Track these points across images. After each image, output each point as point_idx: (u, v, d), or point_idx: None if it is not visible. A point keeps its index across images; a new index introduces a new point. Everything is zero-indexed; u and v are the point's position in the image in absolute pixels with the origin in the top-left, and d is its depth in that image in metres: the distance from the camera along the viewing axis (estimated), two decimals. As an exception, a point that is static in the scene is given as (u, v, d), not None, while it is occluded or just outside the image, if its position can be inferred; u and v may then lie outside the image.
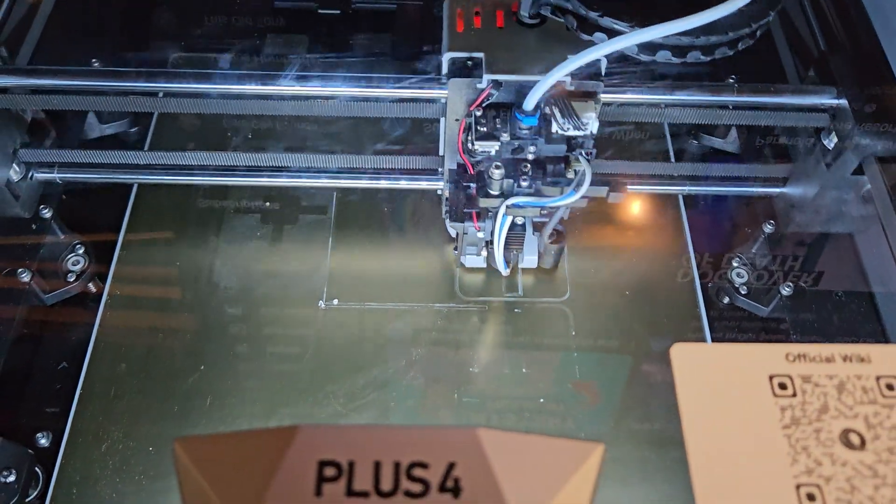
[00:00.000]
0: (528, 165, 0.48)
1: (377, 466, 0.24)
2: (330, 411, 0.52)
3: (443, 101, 0.51)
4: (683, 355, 0.29)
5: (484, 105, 0.48)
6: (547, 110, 0.47)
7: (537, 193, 0.48)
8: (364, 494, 0.23)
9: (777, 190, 0.60)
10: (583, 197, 0.48)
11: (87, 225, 0.61)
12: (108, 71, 0.53)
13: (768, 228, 0.60)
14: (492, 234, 0.52)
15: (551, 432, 0.52)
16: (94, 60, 0.65)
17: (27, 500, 0.50)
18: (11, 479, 0.49)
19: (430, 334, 0.56)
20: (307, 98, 0.52)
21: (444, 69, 0.49)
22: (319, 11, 0.73)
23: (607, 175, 0.56)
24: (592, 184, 0.47)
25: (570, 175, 0.48)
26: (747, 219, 0.62)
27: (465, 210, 0.50)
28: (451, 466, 0.24)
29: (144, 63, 0.70)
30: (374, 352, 0.55)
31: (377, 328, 0.56)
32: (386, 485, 0.23)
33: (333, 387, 0.53)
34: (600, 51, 0.44)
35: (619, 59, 0.51)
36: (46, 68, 0.53)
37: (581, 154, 0.47)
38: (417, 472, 0.24)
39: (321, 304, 0.57)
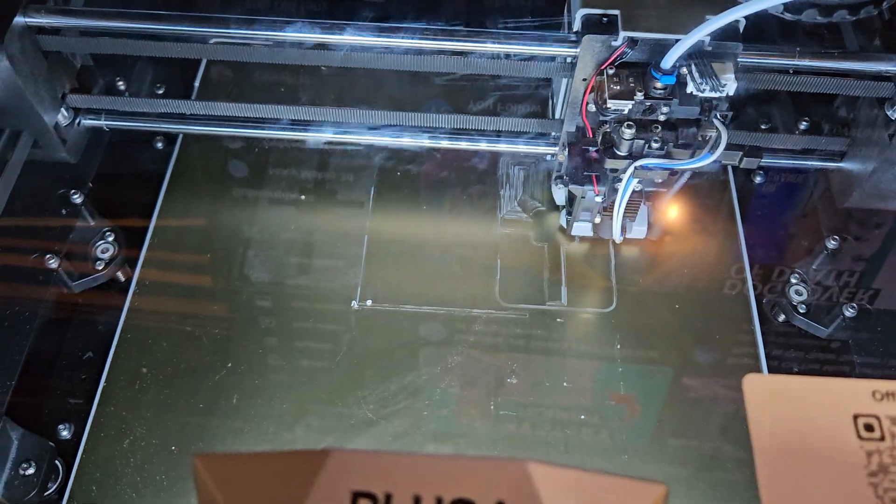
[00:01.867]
0: (659, 127, 0.47)
1: (417, 501, 0.22)
2: (360, 417, 0.50)
3: (570, 59, 0.49)
4: (757, 388, 0.26)
5: (616, 64, 0.47)
6: (684, 70, 0.45)
7: (667, 156, 0.47)
8: (402, 532, 0.21)
9: (835, 165, 0.58)
10: (715, 162, 0.47)
11: (117, 213, 0.59)
12: (162, 15, 0.52)
13: (832, 244, 0.56)
14: (607, 198, 0.51)
15: (592, 450, 0.50)
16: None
17: (46, 493, 0.48)
18: (31, 471, 0.48)
19: (467, 341, 0.53)
20: (421, 52, 0.51)
21: (577, 26, 0.48)
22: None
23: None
24: (727, 149, 0.47)
25: (703, 139, 0.47)
26: (808, 232, 0.59)
27: (586, 173, 0.49)
28: (498, 505, 0.21)
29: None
30: (408, 357, 0.53)
31: (412, 332, 0.54)
32: (426, 523, 0.21)
33: (364, 391, 0.51)
34: (748, 9, 0.42)
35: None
36: (99, 10, 0.53)
37: (716, 116, 0.47)
38: (461, 510, 0.21)
39: (354, 304, 0.55)
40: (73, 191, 0.57)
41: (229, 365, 0.52)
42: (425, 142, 0.57)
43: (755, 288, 0.56)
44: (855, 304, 0.53)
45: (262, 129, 0.58)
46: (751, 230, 0.59)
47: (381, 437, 0.50)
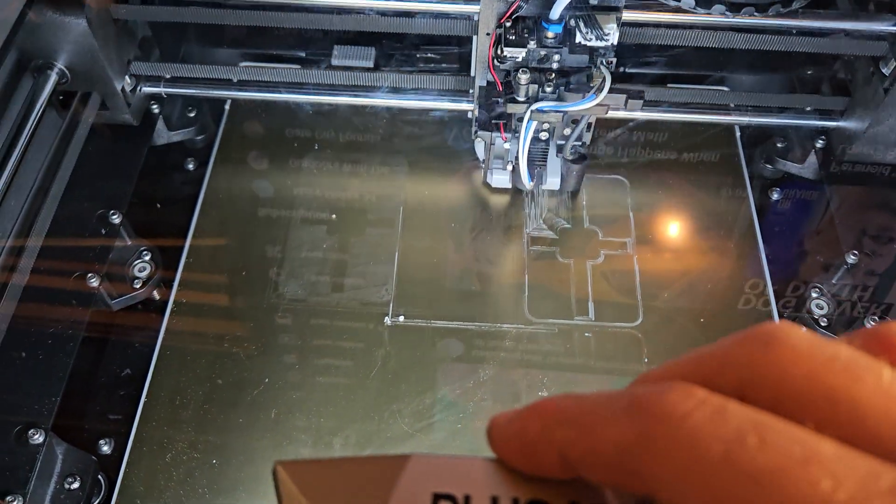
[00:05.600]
0: (553, 74, 0.52)
1: (494, 501, 0.23)
2: (396, 430, 0.51)
3: (475, 17, 0.54)
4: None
5: (513, 17, 0.51)
6: (572, 22, 0.50)
7: (560, 100, 0.52)
8: (482, 531, 0.22)
9: (834, 123, 0.61)
10: (602, 105, 0.51)
11: (153, 233, 0.61)
12: None
13: (851, 259, 0.58)
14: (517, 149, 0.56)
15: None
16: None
17: (90, 508, 0.49)
18: (76, 485, 0.49)
19: (498, 356, 0.55)
20: (339, 11, 0.57)
21: None
22: None
23: (663, 102, 0.61)
24: (612, 93, 0.51)
25: (593, 85, 0.52)
26: (828, 247, 0.60)
27: (494, 121, 0.53)
28: (572, 506, 0.23)
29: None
30: (441, 371, 0.54)
31: (444, 346, 0.55)
32: (505, 522, 0.22)
33: (399, 405, 0.52)
34: None
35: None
36: None
37: (602, 63, 0.51)
38: (537, 510, 0.23)
39: (387, 319, 0.56)
40: (111, 211, 0.59)
41: (267, 380, 0.54)
42: (349, 99, 0.63)
43: (777, 300, 0.57)
44: (877, 318, 0.55)
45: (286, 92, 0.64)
46: (771, 245, 0.61)
47: (418, 449, 0.51)
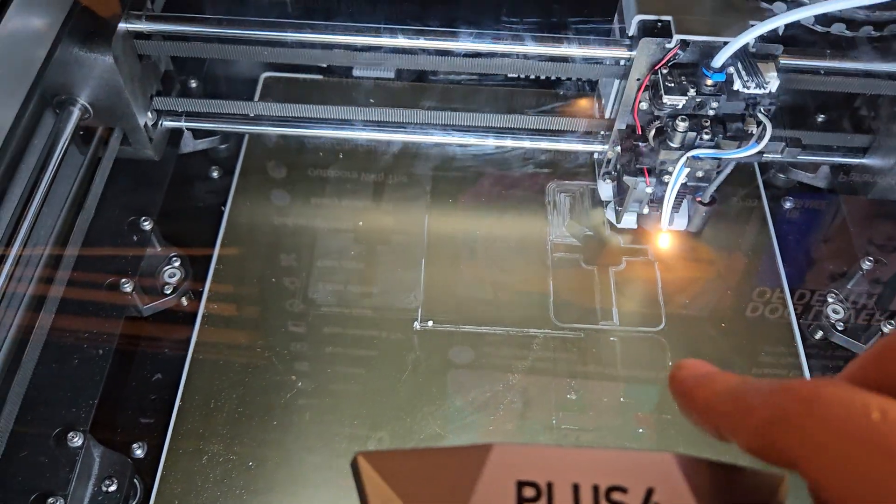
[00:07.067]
0: (709, 121, 0.52)
1: (576, 489, 0.24)
2: (429, 432, 0.52)
3: (623, 62, 0.54)
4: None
5: (668, 64, 0.52)
6: (730, 70, 0.50)
7: (716, 147, 0.52)
8: (565, 517, 0.23)
9: (857, 161, 0.62)
10: (761, 153, 0.51)
11: (181, 242, 0.62)
12: (242, 20, 0.57)
13: (866, 265, 0.60)
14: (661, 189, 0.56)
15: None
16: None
17: (128, 509, 0.50)
18: (113, 488, 0.49)
19: (526, 359, 0.56)
20: (485, 55, 0.55)
21: (632, 31, 0.52)
22: None
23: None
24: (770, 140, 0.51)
25: (752, 133, 0.51)
26: (842, 253, 0.62)
27: (638, 166, 0.53)
28: (650, 492, 0.24)
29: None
30: (470, 374, 0.55)
31: (473, 350, 0.56)
32: (586, 507, 0.23)
33: (431, 408, 0.53)
34: (788, 17, 0.47)
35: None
36: (181, 16, 0.58)
37: (761, 111, 0.51)
38: (616, 496, 0.24)
39: (416, 324, 0.57)
40: (143, 217, 0.59)
41: (300, 384, 0.54)
42: (483, 140, 0.61)
43: (794, 305, 0.59)
44: (893, 322, 0.56)
45: (327, 128, 0.62)
46: (786, 251, 0.62)
47: (450, 451, 0.52)
